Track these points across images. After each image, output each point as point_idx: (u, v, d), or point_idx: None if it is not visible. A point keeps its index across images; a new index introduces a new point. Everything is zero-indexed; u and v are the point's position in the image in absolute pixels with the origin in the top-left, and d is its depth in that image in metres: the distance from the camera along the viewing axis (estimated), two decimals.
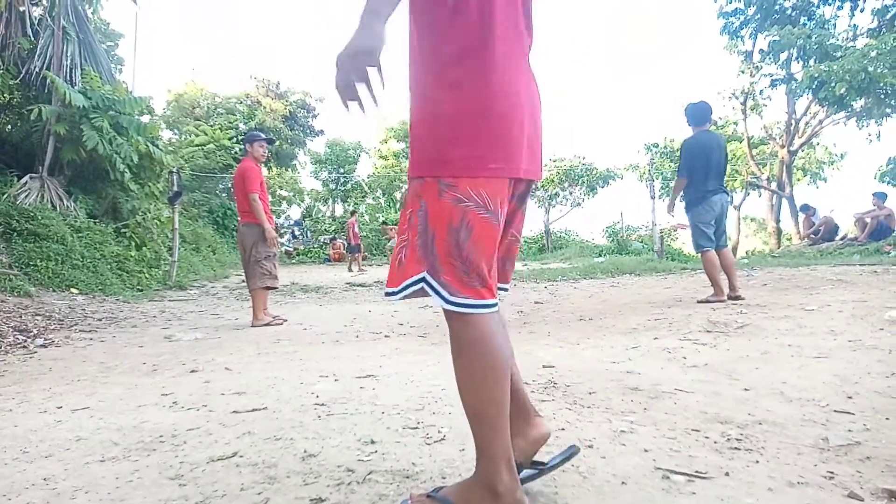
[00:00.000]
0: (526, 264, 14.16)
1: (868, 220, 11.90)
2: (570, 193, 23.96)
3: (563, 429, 2.03)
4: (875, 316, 3.98)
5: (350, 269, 15.46)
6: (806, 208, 14.03)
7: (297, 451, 1.89)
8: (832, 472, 1.61)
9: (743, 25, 17.26)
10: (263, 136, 5.68)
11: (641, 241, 17.17)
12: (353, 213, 19.32)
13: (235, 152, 17.99)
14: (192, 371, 3.33)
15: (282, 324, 5.31)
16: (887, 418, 2.05)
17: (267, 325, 5.26)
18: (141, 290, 8.35)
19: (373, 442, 1.95)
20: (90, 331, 5.09)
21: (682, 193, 5.68)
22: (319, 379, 2.99)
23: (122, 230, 9.32)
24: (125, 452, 1.96)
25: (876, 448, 1.78)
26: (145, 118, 10.10)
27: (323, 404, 2.46)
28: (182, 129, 20.41)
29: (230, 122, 21.76)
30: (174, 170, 10.70)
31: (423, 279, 1.34)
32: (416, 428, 2.09)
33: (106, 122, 8.69)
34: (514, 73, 1.36)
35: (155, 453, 1.94)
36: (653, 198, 12.33)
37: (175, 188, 10.44)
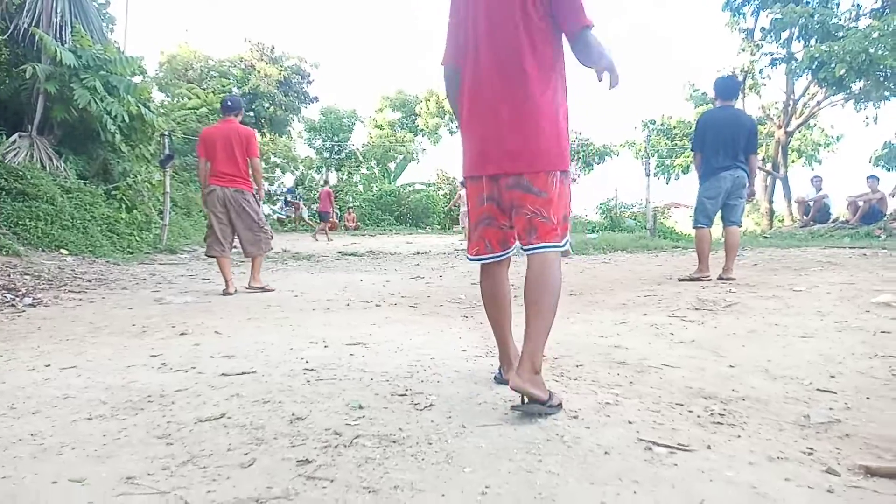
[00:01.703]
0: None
1: (861, 203, 11.95)
2: None
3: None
4: (862, 298, 4.02)
5: (315, 238, 15.12)
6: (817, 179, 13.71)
7: (284, 414, 1.90)
8: (812, 448, 1.64)
9: (746, 2, 17.07)
10: None
11: (634, 219, 17.19)
12: (325, 182, 19.38)
13: None
14: (182, 334, 3.33)
15: (273, 290, 5.31)
16: (868, 398, 2.08)
17: (262, 289, 5.26)
18: (131, 253, 8.31)
19: (361, 407, 1.96)
20: (79, 291, 5.07)
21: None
22: (309, 345, 3.00)
23: (113, 192, 9.22)
24: (113, 411, 1.96)
25: (856, 426, 1.81)
26: (137, 79, 9.88)
27: (312, 369, 2.47)
28: (174, 91, 20.08)
29: (223, 86, 21.46)
30: (166, 132, 10.57)
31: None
32: (405, 395, 2.11)
33: (97, 81, 8.53)
34: None
35: (143, 412, 1.95)
36: (648, 175, 12.32)
37: (167, 151, 10.32)
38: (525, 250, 2.03)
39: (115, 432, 1.77)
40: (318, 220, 16.70)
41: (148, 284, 5.77)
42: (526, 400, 1.85)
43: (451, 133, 31.89)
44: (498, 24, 1.99)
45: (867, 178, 12.30)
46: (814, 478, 1.45)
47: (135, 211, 9.50)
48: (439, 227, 23.25)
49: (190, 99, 18.86)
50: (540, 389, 1.84)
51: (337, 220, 20.91)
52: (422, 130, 31.67)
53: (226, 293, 5.09)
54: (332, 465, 1.52)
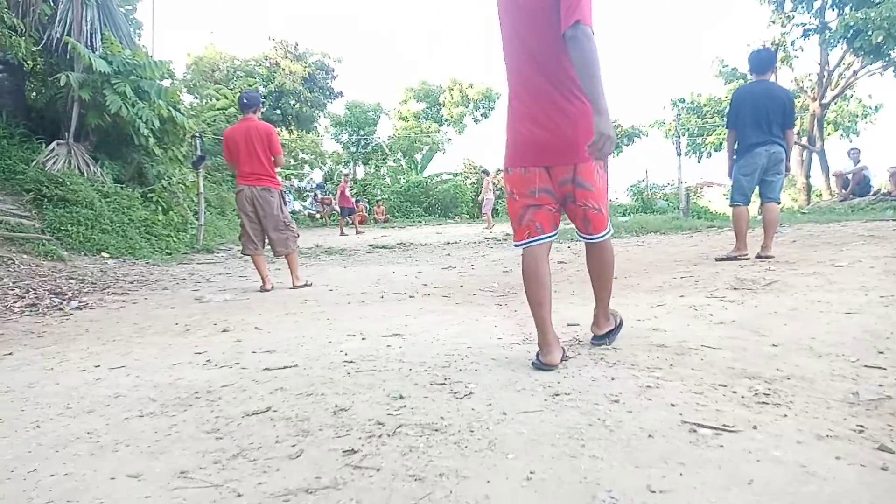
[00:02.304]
0: None
1: None
2: None
3: (589, 385, 2.05)
4: None
5: (342, 233, 15.20)
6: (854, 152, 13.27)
7: (328, 406, 1.94)
8: (862, 426, 1.60)
9: None
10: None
11: (667, 199, 16.91)
12: (345, 176, 19.35)
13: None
14: (224, 330, 3.41)
15: (311, 286, 5.39)
16: None
17: (305, 285, 5.34)
18: (169, 254, 8.51)
19: (401, 397, 1.99)
20: (122, 293, 5.22)
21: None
22: (347, 338, 3.04)
23: (149, 195, 9.44)
24: (162, 408, 2.03)
25: None
26: (166, 82, 10.07)
27: (351, 361, 2.51)
28: (202, 93, 20.37)
29: (250, 85, 21.70)
30: (197, 134, 10.77)
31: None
32: (444, 384, 2.13)
33: (128, 87, 8.71)
34: None
35: (191, 408, 2.01)
36: (679, 154, 12.08)
37: (198, 152, 10.52)
38: (586, 240, 2.49)
39: (166, 428, 1.82)
40: (341, 216, 16.76)
41: (188, 284, 5.91)
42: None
43: (476, 122, 31.75)
44: (538, 30, 2.20)
45: None
46: (865, 455, 1.42)
47: (171, 212, 9.71)
48: (468, 216, 23.22)
49: (218, 100, 19.13)
50: (609, 329, 2.66)
51: (366, 213, 21.03)
52: (447, 120, 31.60)
53: (263, 290, 5.18)
54: (377, 454, 1.55)
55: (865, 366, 2.14)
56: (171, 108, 9.60)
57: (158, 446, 1.69)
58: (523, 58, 2.28)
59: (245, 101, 5.42)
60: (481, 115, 31.60)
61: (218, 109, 17.95)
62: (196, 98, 20.37)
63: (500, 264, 6.61)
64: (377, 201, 23.50)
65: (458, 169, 27.10)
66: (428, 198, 24.33)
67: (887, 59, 14.59)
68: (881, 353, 2.29)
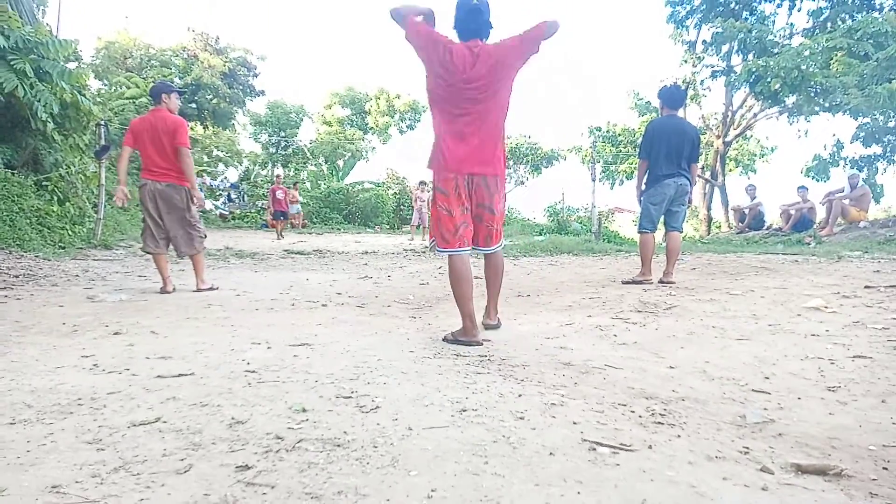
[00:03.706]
0: None
1: (792, 212, 12.56)
2: (515, 171, 24.22)
3: (496, 401, 2.05)
4: (794, 302, 4.21)
5: (280, 237, 15.00)
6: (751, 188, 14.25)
7: (224, 418, 1.83)
8: (748, 448, 1.69)
9: (689, 15, 17.71)
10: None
11: (580, 222, 17.54)
12: (277, 177, 18.96)
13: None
14: (116, 333, 3.18)
15: (217, 289, 5.14)
16: (799, 398, 2.17)
17: (210, 288, 5.08)
18: (63, 248, 7.90)
19: (304, 410, 1.92)
20: (5, 287, 4.78)
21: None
22: (251, 346, 2.91)
23: (44, 183, 8.74)
24: (38, 415, 1.85)
25: (788, 426, 1.89)
26: (71, 65, 9.38)
27: (253, 371, 2.40)
28: (112, 79, 19.19)
29: (164, 76, 20.66)
30: (102, 122, 10.07)
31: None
32: (350, 397, 2.07)
33: (27, 65, 8.06)
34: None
35: (72, 416, 1.85)
36: (593, 180, 12.57)
37: (103, 142, 9.84)
38: (484, 251, 3.28)
39: (41, 438, 1.66)
40: (274, 219, 16.23)
41: (80, 281, 5.50)
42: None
43: (402, 133, 31.80)
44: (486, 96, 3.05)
45: (798, 188, 12.95)
46: (749, 476, 1.49)
47: (67, 203, 9.03)
48: (388, 226, 23.13)
49: (129, 88, 18.09)
50: (497, 321, 3.49)
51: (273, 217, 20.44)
52: (371, 129, 31.45)
53: (163, 291, 4.89)
54: (273, 470, 1.47)
55: (753, 390, 2.28)
56: (75, 93, 8.95)
57: (29, 457, 1.53)
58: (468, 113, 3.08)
59: (158, 90, 5.13)
60: (407, 126, 31.69)
61: (127, 98, 16.98)
62: (104, 85, 19.18)
63: (417, 276, 6.59)
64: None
65: (381, 178, 26.99)
66: (348, 205, 24.02)
67: (783, 104, 15.90)
68: (767, 378, 2.44)
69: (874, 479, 1.51)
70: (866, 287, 4.81)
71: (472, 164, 3.06)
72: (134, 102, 16.63)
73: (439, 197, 3.10)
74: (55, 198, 8.78)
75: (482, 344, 2.97)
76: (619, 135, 21.87)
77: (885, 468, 1.58)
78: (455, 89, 3.00)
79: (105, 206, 9.52)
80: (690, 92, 18.27)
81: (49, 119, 8.44)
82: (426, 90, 3.15)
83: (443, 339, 3.13)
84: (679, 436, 1.78)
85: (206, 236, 5.32)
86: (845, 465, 1.57)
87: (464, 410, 1.94)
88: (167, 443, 1.64)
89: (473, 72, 2.97)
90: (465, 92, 3.00)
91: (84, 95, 9.34)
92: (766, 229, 13.41)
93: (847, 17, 15.38)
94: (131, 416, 1.85)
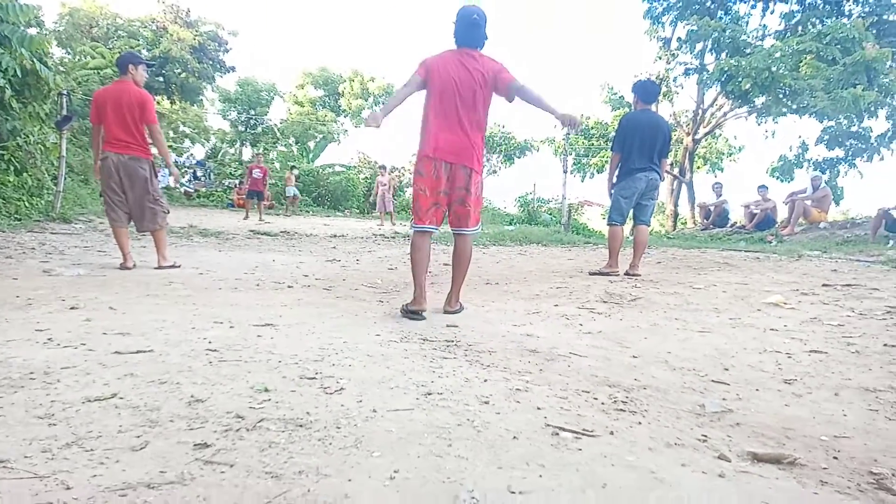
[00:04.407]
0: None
1: (756, 211, 12.85)
2: (488, 161, 24.22)
3: (461, 386, 2.05)
4: (754, 298, 4.31)
5: (246, 218, 14.52)
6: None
7: (183, 396, 1.79)
8: (706, 436, 1.72)
9: (665, 11, 17.83)
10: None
11: (550, 214, 17.67)
12: (257, 156, 18.56)
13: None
14: (72, 308, 3.08)
15: (179, 267, 5.02)
16: (757, 389, 2.22)
17: (171, 266, 4.95)
18: (19, 220, 7.63)
19: (266, 390, 1.88)
20: None
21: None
22: (213, 325, 2.85)
23: (0, 153, 8.41)
24: None
25: (745, 415, 1.93)
26: (32, 30, 9.00)
27: (215, 350, 2.35)
28: (76, 49, 18.53)
29: (132, 47, 20.00)
30: (64, 92, 9.72)
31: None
32: (314, 378, 2.04)
33: None
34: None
35: (23, 390, 1.78)
36: (565, 172, 12.63)
37: (64, 112, 9.51)
38: (456, 232, 3.53)
39: None
40: (247, 198, 15.79)
41: (36, 254, 5.32)
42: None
43: None
44: (473, 100, 3.40)
45: (758, 187, 13.26)
46: (707, 463, 1.52)
47: (25, 174, 8.70)
48: (358, 211, 22.93)
49: (94, 58, 17.50)
50: (458, 306, 3.58)
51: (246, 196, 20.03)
52: (344, 111, 31.05)
53: (123, 267, 4.76)
54: (232, 449, 1.44)
55: (712, 380, 2.32)
56: (35, 60, 8.59)
57: None
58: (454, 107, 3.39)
59: (118, 61, 4.96)
60: (380, 109, 31.33)
61: (92, 68, 16.41)
62: (68, 53, 18.53)
63: (385, 261, 6.56)
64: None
65: (353, 162, 26.69)
66: (318, 188, 23.70)
67: (752, 105, 16.20)
68: (726, 369, 2.50)
69: (825, 468, 1.55)
70: (824, 285, 4.96)
71: (454, 153, 3.37)
72: (98, 73, 16.09)
73: (418, 178, 3.43)
74: (11, 168, 8.46)
75: (425, 318, 3.30)
76: (592, 128, 22.02)
77: (835, 457, 1.63)
78: (447, 87, 3.36)
79: (65, 179, 9.22)
80: (663, 88, 18.47)
81: (7, 85, 8.10)
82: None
83: (400, 311, 3.47)
84: (640, 423, 1.80)
85: (168, 212, 5.20)
86: (799, 454, 1.61)
87: (429, 394, 1.93)
88: (123, 419, 1.60)
89: (465, 74, 3.37)
90: (456, 90, 3.36)
91: (45, 64, 8.98)
92: (730, 227, 13.71)
93: (818, 21, 15.67)
94: (86, 392, 1.79)
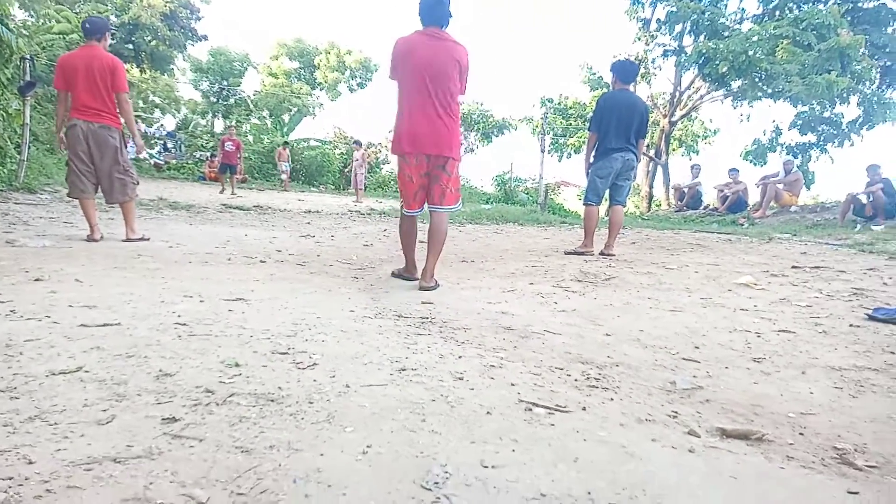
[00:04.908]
0: None
1: (729, 193, 13.04)
2: (465, 139, 24.10)
3: (436, 362, 2.05)
4: (725, 278, 4.38)
5: (222, 191, 14.41)
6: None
7: (151, 370, 1.75)
8: (676, 412, 1.75)
9: None
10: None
11: (527, 193, 17.69)
12: (230, 128, 18.19)
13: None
14: (37, 280, 2.99)
15: (148, 240, 4.91)
16: (726, 367, 2.26)
17: (140, 239, 4.84)
18: None
19: (237, 365, 1.85)
20: None
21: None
22: (183, 299, 2.80)
23: None
24: None
25: (715, 392, 1.96)
26: None
27: (184, 324, 2.30)
28: (39, 11, 17.79)
29: (100, 12, 19.27)
30: (27, 56, 9.37)
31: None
32: (286, 353, 2.02)
33: None
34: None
35: None
36: (543, 152, 12.64)
37: (28, 78, 9.17)
38: (434, 209, 3.62)
39: None
40: (220, 172, 15.56)
41: None
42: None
43: (351, 91, 31.02)
44: (442, 79, 3.43)
45: (729, 170, 13.45)
46: (677, 439, 1.54)
47: None
48: (334, 186, 22.69)
49: (59, 22, 16.83)
50: (434, 283, 3.56)
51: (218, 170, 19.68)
52: (320, 84, 30.52)
53: (90, 239, 4.64)
54: (201, 423, 1.41)
55: (683, 358, 2.36)
56: None
57: None
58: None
59: (87, 25, 4.75)
60: (357, 84, 30.89)
61: (57, 33, 15.79)
62: (31, 16, 17.78)
63: (361, 238, 6.51)
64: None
65: (328, 137, 26.30)
66: (293, 163, 23.35)
67: (728, 88, 16.32)
68: (697, 348, 2.53)
69: (791, 444, 1.59)
70: (793, 267, 5.06)
71: (433, 143, 3.46)
72: (64, 38, 15.49)
73: (403, 165, 3.57)
74: None
75: (417, 280, 3.62)
76: (570, 108, 22.04)
77: (801, 434, 1.67)
78: (418, 72, 3.37)
79: (29, 147, 8.92)
80: (642, 70, 18.48)
81: None
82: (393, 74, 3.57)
83: (391, 274, 3.93)
84: (612, 399, 1.82)
85: (138, 183, 5.07)
86: (766, 430, 1.64)
87: (403, 370, 1.92)
88: (89, 393, 1.55)
89: (433, 56, 3.38)
90: (427, 74, 3.37)
91: (6, 26, 8.62)
92: (704, 209, 13.90)
93: (795, 6, 15.79)
94: (50, 365, 1.74)
